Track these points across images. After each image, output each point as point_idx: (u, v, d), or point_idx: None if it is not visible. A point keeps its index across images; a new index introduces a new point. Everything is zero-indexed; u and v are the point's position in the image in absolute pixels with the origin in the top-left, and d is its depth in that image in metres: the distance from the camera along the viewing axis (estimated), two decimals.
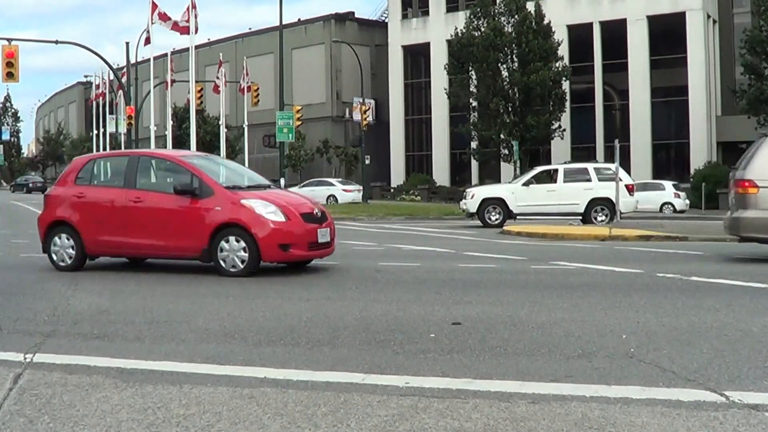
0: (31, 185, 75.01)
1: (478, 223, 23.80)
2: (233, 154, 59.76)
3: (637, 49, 49.15)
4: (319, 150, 61.74)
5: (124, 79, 41.66)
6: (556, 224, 22.47)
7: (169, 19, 38.98)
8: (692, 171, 45.49)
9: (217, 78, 43.98)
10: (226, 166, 13.02)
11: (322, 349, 5.91)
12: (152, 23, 37.83)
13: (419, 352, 5.73)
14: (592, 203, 23.51)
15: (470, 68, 46.37)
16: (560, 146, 48.80)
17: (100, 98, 61.77)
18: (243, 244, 10.51)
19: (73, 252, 11.53)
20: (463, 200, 25.08)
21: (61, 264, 11.55)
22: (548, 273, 10.77)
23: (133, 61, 45.74)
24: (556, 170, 25.21)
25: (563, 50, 46.65)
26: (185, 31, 36.40)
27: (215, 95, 47.20)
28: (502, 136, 45.39)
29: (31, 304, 8.31)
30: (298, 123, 39.25)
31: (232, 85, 53.55)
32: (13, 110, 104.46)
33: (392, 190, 55.37)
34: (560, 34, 47.18)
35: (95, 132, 67.30)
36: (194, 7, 37.32)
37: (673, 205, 37.35)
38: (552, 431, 3.86)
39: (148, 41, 39.45)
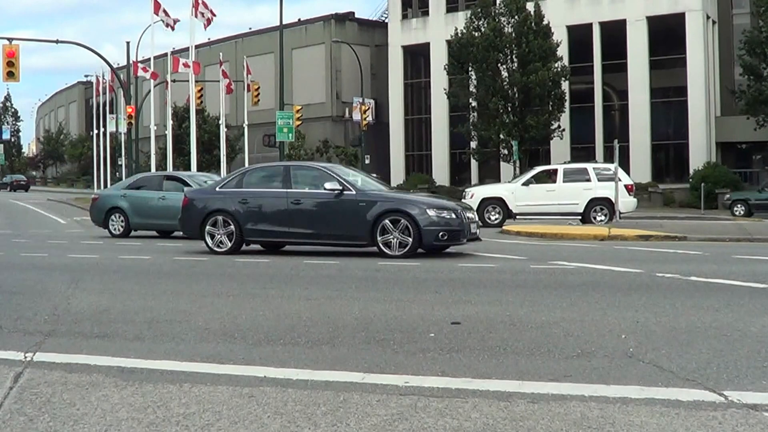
0: (14, 183, 75.85)
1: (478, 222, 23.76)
2: (233, 153, 59.70)
3: (636, 50, 49.13)
4: (318, 150, 61.71)
5: (134, 75, 41.74)
6: (555, 224, 22.48)
7: (168, 16, 39.15)
8: (691, 171, 45.50)
9: (225, 78, 44.10)
10: None
11: (322, 348, 5.91)
12: (158, 18, 38.00)
13: (418, 351, 5.74)
14: (592, 203, 23.53)
15: (470, 68, 46.37)
16: (560, 146, 48.79)
17: (100, 97, 61.85)
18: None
19: None
20: (463, 200, 25.05)
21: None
22: (547, 272, 10.78)
23: (133, 59, 45.69)
24: (555, 170, 25.23)
25: (563, 51, 46.65)
26: (213, 15, 37.50)
27: (215, 95, 47.21)
28: (501, 136, 45.38)
29: (31, 303, 8.30)
30: (298, 123, 39.25)
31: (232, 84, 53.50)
32: (13, 109, 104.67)
33: None
34: (560, 35, 47.19)
35: (95, 131, 67.30)
36: (196, 6, 37.50)
37: None
38: (551, 431, 3.86)
39: (172, 28, 39.66)
